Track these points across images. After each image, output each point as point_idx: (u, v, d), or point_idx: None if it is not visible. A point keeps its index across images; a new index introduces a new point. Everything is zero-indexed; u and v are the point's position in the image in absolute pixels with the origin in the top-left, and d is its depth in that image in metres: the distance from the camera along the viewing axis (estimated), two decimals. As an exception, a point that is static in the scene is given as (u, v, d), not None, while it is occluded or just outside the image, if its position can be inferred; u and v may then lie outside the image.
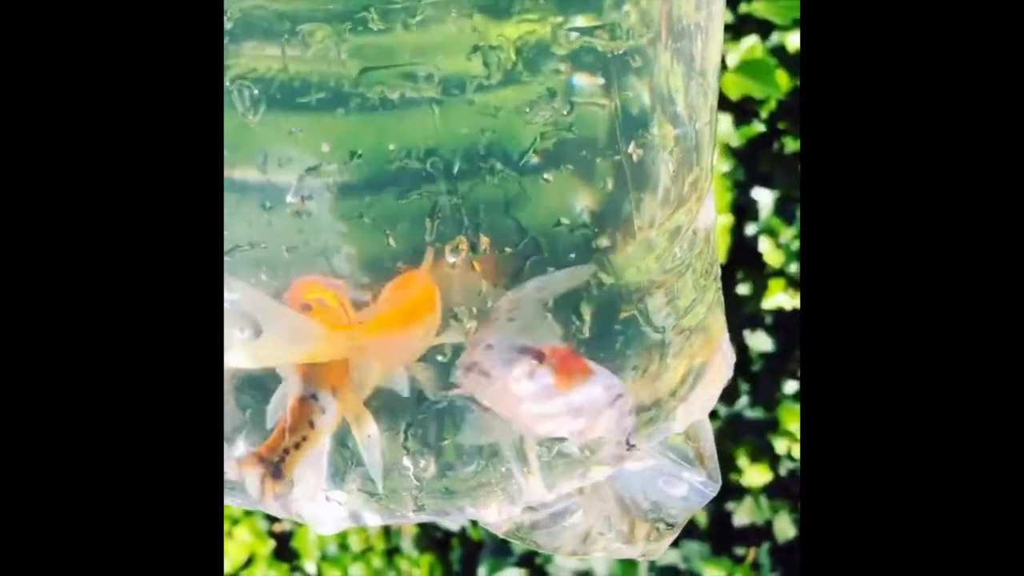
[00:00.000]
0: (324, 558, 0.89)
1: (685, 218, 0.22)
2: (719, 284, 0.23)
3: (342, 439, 0.21)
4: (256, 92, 0.18)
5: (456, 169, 0.19)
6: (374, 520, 0.22)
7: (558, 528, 0.23)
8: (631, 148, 0.20)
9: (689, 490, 0.23)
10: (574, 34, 0.19)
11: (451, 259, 0.19)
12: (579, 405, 0.20)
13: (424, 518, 0.22)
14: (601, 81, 0.20)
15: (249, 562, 0.90)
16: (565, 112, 0.19)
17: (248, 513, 0.87)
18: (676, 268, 0.22)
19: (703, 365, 0.23)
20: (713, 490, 0.23)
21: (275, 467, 0.20)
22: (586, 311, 0.21)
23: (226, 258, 0.20)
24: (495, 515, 0.22)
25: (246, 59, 0.18)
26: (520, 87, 0.19)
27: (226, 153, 0.19)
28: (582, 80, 0.20)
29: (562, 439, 0.21)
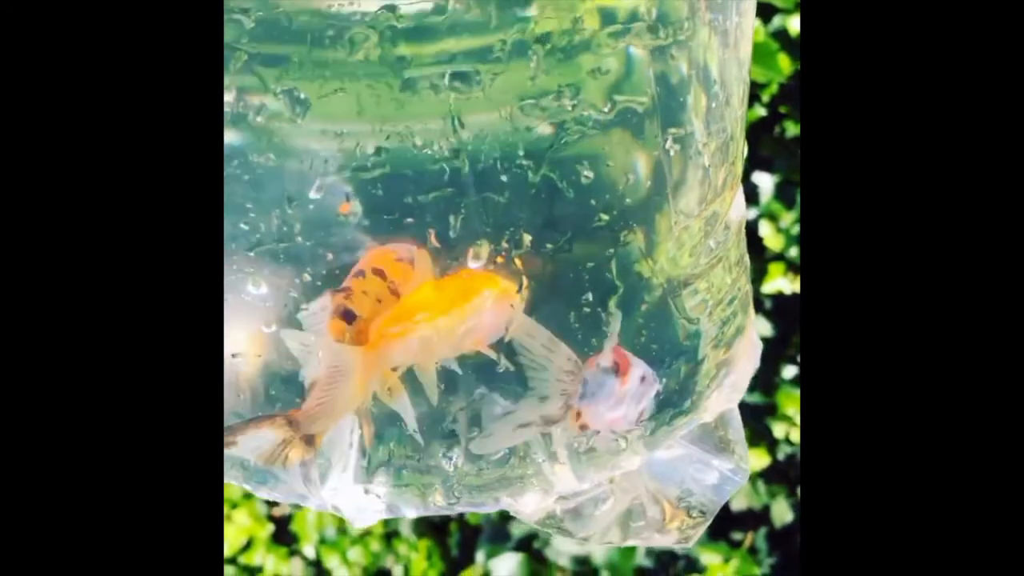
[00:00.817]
0: (323, 542, 0.89)
1: (720, 209, 0.22)
2: (749, 276, 0.24)
3: (379, 433, 0.21)
4: (293, 95, 0.19)
5: (487, 166, 0.19)
6: (411, 512, 0.22)
7: (591, 516, 0.23)
8: (668, 143, 0.20)
9: (719, 478, 0.24)
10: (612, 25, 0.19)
11: (479, 260, 0.20)
12: (630, 395, 0.20)
13: (460, 509, 0.22)
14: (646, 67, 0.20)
15: (248, 545, 0.90)
16: (606, 108, 0.20)
17: (247, 496, 0.88)
18: (710, 261, 0.22)
19: (734, 355, 0.23)
20: (743, 477, 0.24)
21: (309, 435, 0.20)
22: (621, 304, 0.21)
23: (251, 253, 0.20)
24: (529, 506, 0.22)
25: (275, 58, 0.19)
26: (556, 75, 0.19)
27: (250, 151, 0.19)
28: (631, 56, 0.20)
29: (594, 432, 0.22)
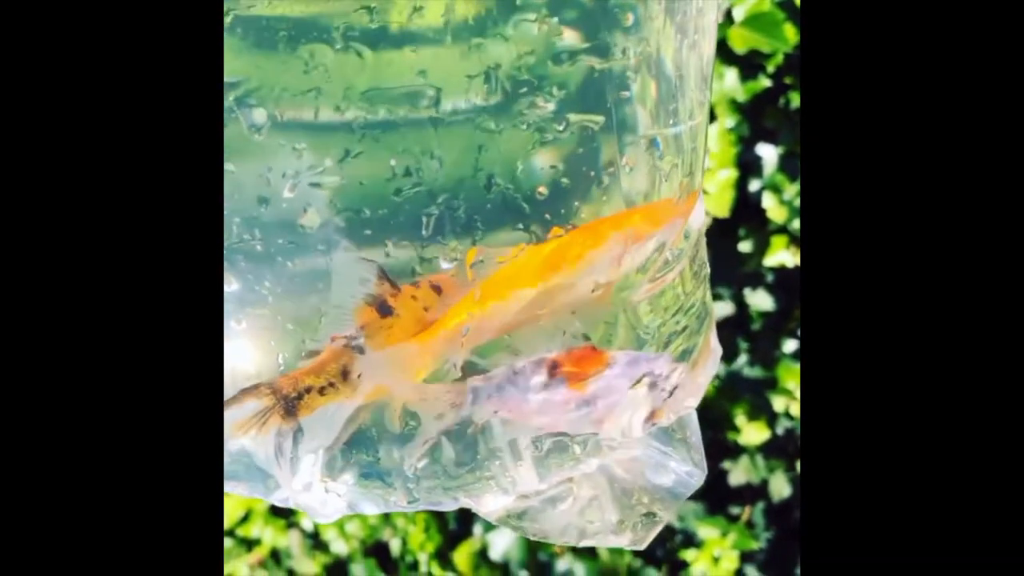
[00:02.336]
0: (321, 513, 0.91)
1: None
2: (708, 284, 0.24)
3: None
4: (262, 110, 0.19)
5: (449, 176, 0.20)
6: (371, 509, 0.23)
7: (549, 515, 0.24)
8: (624, 160, 0.21)
9: (676, 480, 0.24)
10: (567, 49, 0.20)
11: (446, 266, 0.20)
12: (592, 398, 0.21)
13: (418, 507, 0.23)
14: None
15: (246, 517, 0.92)
16: (560, 128, 0.20)
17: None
18: (666, 270, 0.23)
19: (692, 361, 0.24)
20: (699, 480, 0.25)
21: (289, 403, 0.19)
22: (578, 313, 0.22)
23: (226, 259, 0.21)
24: (488, 505, 0.23)
25: (253, 75, 0.19)
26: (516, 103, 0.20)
27: (230, 162, 0.20)
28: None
29: (562, 434, 0.23)
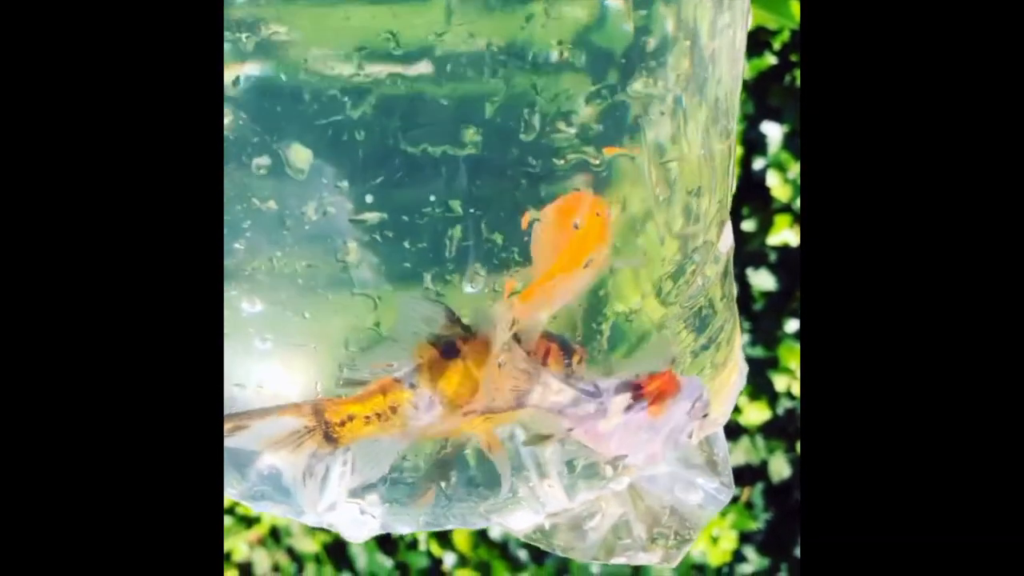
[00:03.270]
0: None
1: (709, 236, 0.23)
2: (735, 304, 0.25)
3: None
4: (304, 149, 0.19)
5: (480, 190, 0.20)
6: (404, 529, 0.24)
7: (578, 533, 0.25)
8: (654, 177, 0.21)
9: (704, 497, 0.25)
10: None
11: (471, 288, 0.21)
12: (661, 425, 0.21)
13: (450, 526, 0.24)
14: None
15: (246, 498, 0.93)
16: (596, 161, 0.20)
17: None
18: (698, 295, 0.23)
19: (720, 382, 0.25)
20: (727, 496, 0.25)
21: (331, 429, 0.20)
22: (604, 333, 0.22)
23: (245, 274, 0.21)
24: (518, 524, 0.24)
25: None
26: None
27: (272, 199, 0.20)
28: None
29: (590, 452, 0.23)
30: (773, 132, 0.83)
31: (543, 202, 0.21)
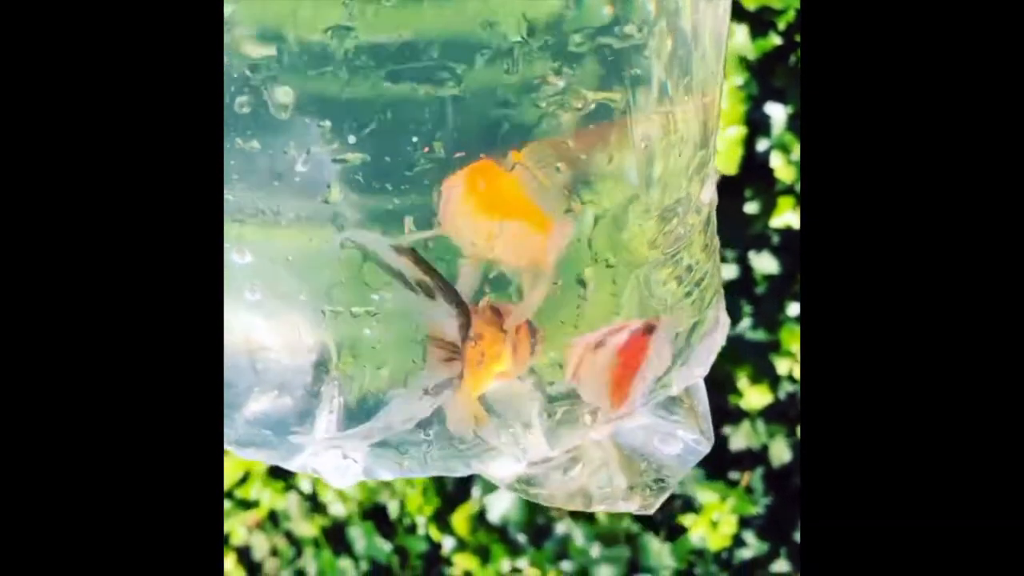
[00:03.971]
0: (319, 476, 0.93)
1: (692, 191, 0.24)
2: (718, 257, 0.25)
3: (362, 400, 0.23)
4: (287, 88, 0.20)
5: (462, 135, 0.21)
6: (386, 475, 0.24)
7: (558, 481, 0.25)
8: (639, 137, 0.22)
9: (683, 448, 0.26)
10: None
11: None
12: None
13: (431, 473, 0.25)
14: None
15: (244, 479, 0.94)
16: (579, 105, 0.21)
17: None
18: (678, 246, 0.24)
19: (701, 333, 0.25)
20: (706, 448, 0.26)
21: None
22: (590, 281, 0.23)
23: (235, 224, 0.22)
24: (499, 471, 0.25)
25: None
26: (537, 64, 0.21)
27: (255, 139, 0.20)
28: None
29: (570, 401, 0.24)
30: (777, 113, 0.83)
31: (521, 147, 0.21)
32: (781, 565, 0.86)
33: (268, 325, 0.23)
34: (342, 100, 0.20)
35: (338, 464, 0.24)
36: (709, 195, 0.24)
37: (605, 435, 0.25)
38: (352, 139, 0.21)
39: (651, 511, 0.25)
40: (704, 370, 0.26)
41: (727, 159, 0.82)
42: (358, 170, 0.21)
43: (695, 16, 0.22)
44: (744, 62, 0.82)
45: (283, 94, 0.20)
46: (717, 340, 0.26)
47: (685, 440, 0.26)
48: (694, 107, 0.23)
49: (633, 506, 0.25)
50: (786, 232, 0.85)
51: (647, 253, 0.23)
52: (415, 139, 0.21)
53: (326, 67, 0.20)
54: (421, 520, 0.94)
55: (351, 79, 0.20)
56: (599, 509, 0.25)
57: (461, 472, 0.25)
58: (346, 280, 0.22)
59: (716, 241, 0.25)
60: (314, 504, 0.96)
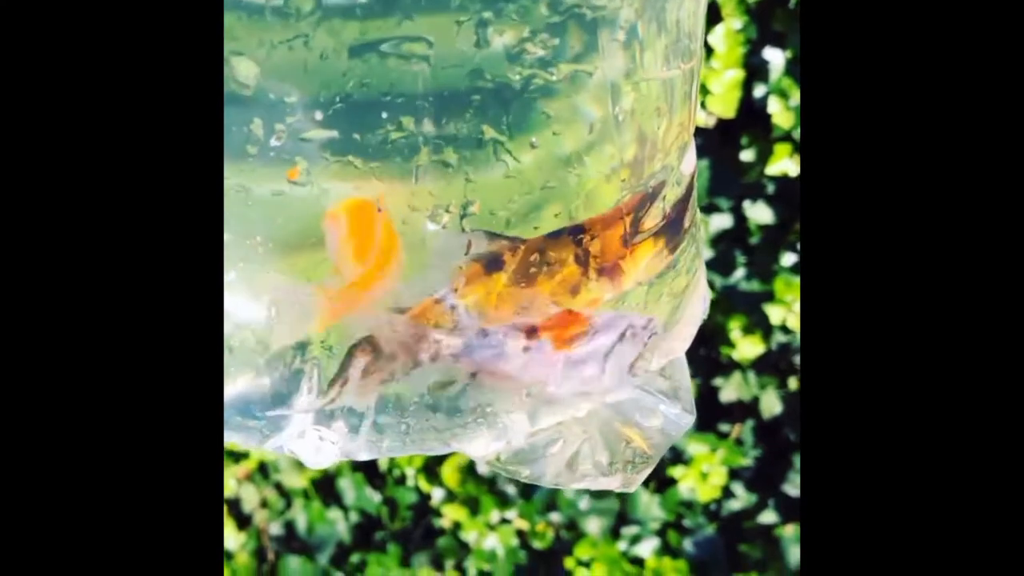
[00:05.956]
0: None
1: (664, 161, 0.23)
2: (698, 228, 0.25)
3: (332, 380, 0.23)
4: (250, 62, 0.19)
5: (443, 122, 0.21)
6: (363, 456, 0.24)
7: (540, 458, 0.26)
8: (620, 107, 0.21)
9: (665, 422, 0.26)
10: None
11: (432, 225, 0.21)
12: (582, 358, 0.22)
13: (410, 452, 0.25)
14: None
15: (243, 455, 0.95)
16: (554, 78, 0.20)
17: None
18: (659, 219, 0.23)
19: (682, 307, 0.25)
20: (688, 422, 0.26)
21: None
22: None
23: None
24: (480, 450, 0.25)
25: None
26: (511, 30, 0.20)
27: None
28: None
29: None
30: (775, 58, 0.82)
31: (495, 120, 0.21)
32: (769, 516, 0.87)
33: (243, 305, 0.23)
34: (307, 73, 0.20)
35: (316, 445, 0.24)
36: (690, 165, 0.24)
37: (585, 412, 0.25)
38: (319, 115, 0.20)
39: (632, 488, 0.25)
40: (685, 344, 0.26)
41: (725, 102, 0.81)
42: (326, 147, 0.21)
43: None
44: (743, 5, 0.80)
45: (245, 68, 0.20)
46: (698, 314, 0.26)
47: (667, 415, 0.26)
48: (671, 75, 0.22)
49: (615, 483, 0.25)
50: (782, 180, 0.84)
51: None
52: (384, 115, 0.20)
53: (290, 38, 0.19)
54: (410, 471, 0.96)
55: (317, 51, 0.20)
56: (580, 486, 0.25)
57: (440, 450, 0.25)
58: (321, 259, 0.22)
59: (697, 214, 0.25)
60: (302, 459, 0.97)
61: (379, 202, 0.21)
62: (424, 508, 0.97)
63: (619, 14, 0.21)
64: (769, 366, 0.86)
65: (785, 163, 0.81)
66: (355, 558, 0.99)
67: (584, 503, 0.90)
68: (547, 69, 0.21)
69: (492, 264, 0.21)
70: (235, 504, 1.01)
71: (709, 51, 0.81)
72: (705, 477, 0.86)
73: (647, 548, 0.89)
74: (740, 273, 0.87)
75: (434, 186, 0.21)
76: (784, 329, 0.85)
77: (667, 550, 0.90)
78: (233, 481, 1.00)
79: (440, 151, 0.21)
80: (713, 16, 0.81)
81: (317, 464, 0.24)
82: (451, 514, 0.93)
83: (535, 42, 0.20)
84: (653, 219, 0.23)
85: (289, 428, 0.24)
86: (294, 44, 0.19)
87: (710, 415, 0.88)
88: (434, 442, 0.24)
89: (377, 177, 0.21)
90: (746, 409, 0.87)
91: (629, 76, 0.21)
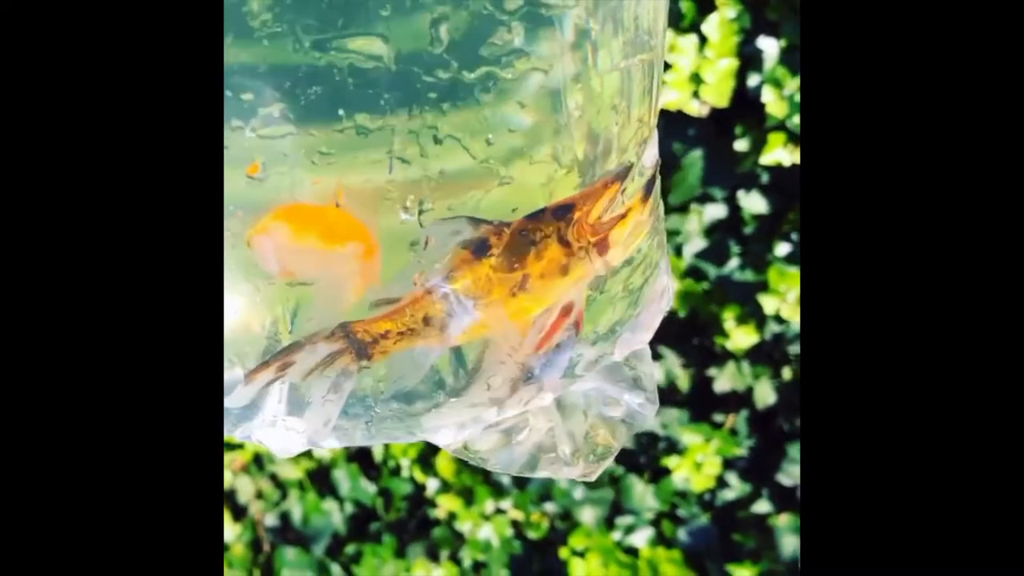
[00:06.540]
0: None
1: (620, 159, 0.24)
2: (662, 219, 0.26)
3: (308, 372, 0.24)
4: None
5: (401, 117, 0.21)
6: (330, 444, 0.25)
7: (505, 447, 0.26)
8: (572, 105, 0.22)
9: (627, 413, 0.26)
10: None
11: (404, 216, 0.22)
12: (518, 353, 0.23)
13: (376, 441, 0.25)
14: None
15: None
16: (509, 76, 0.21)
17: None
18: (621, 212, 0.24)
19: (645, 298, 0.26)
20: (651, 412, 0.26)
21: (362, 347, 0.21)
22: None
23: None
24: (446, 438, 0.25)
25: None
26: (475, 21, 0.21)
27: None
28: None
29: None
30: (769, 47, 0.82)
31: (451, 116, 0.21)
32: (763, 506, 0.88)
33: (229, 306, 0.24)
34: (266, 69, 0.20)
35: (282, 435, 0.25)
36: (652, 158, 0.24)
37: (549, 402, 0.26)
38: (277, 112, 0.21)
39: (592, 478, 0.26)
40: (648, 335, 0.26)
41: (718, 91, 0.81)
42: (285, 142, 0.21)
43: None
44: (735, -7, 0.80)
45: None
46: (662, 305, 0.26)
47: (630, 405, 0.26)
48: (628, 69, 0.23)
49: (576, 472, 0.26)
50: (776, 170, 0.84)
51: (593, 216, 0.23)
52: (340, 111, 0.21)
53: (246, 34, 0.20)
54: (405, 462, 0.96)
55: (275, 47, 0.20)
56: (543, 475, 0.26)
57: (405, 439, 0.25)
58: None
59: (660, 208, 0.25)
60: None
61: (337, 197, 0.21)
62: (419, 499, 0.98)
63: (572, 12, 0.21)
64: (763, 356, 0.87)
65: (779, 152, 0.82)
66: (350, 549, 1.00)
67: (578, 493, 0.91)
68: (502, 66, 0.21)
69: (479, 249, 0.22)
70: (231, 495, 1.02)
71: (703, 40, 0.81)
72: (699, 467, 0.87)
73: (641, 538, 0.90)
74: (734, 263, 0.87)
75: (392, 182, 0.22)
76: (778, 319, 0.85)
77: (661, 540, 0.90)
78: (228, 472, 1.01)
79: (400, 147, 0.21)
80: (707, 5, 0.81)
81: (284, 453, 0.25)
82: (446, 504, 0.94)
83: (490, 40, 0.21)
84: (624, 204, 0.24)
85: (259, 417, 0.24)
86: (254, 39, 0.20)
87: (704, 405, 0.88)
88: (400, 432, 0.25)
89: (336, 173, 0.21)
90: (740, 399, 0.88)
91: (581, 74, 0.22)
